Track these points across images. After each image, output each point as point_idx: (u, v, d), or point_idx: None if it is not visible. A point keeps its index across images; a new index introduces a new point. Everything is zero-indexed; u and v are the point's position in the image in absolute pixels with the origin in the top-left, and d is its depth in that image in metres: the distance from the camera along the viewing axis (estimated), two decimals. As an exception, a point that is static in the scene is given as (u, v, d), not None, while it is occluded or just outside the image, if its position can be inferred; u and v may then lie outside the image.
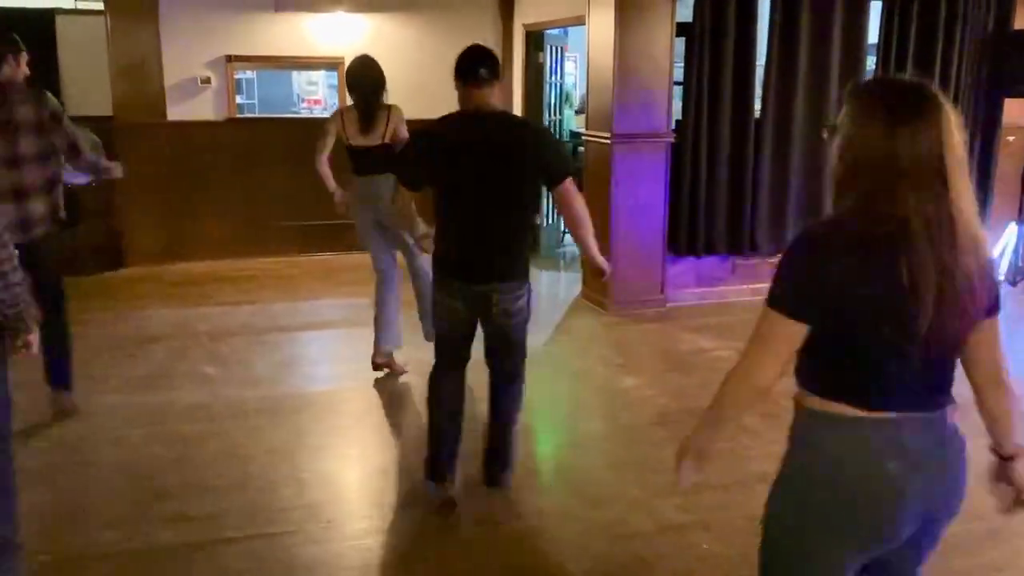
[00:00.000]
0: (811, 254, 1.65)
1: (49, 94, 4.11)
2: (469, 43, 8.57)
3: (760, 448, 4.04)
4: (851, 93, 1.75)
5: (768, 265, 6.69)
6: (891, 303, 1.61)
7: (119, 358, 5.14)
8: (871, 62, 6.79)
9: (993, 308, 1.72)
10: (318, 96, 13.02)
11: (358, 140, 4.68)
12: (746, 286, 6.60)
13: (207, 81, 7.64)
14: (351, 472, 3.96)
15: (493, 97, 3.29)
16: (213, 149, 7.70)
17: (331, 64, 8.12)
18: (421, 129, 3.42)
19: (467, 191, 3.22)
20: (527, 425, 4.50)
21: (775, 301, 1.69)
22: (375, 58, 4.94)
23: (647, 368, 5.22)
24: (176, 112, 7.60)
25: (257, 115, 9.78)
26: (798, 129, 6.47)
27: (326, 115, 10.74)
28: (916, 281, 1.58)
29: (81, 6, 8.01)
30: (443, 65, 8.22)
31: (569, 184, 3.25)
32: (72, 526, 3.33)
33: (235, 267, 7.53)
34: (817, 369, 1.74)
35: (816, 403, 1.76)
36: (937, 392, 1.73)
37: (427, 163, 3.30)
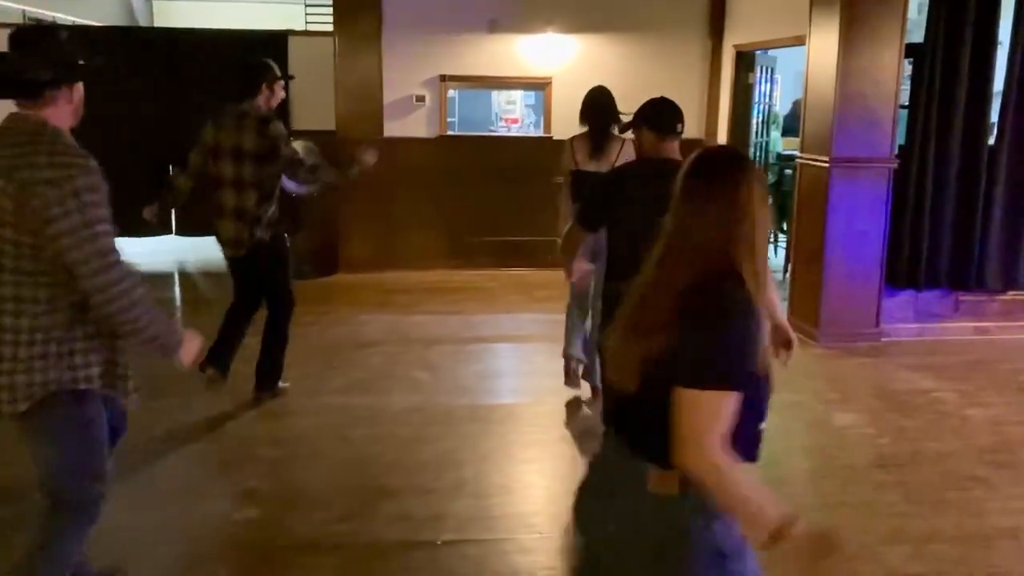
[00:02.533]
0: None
1: (275, 124, 4.44)
2: (677, 63, 8.58)
3: (997, 501, 3.77)
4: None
5: (996, 302, 6.23)
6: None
7: (339, 360, 5.45)
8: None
9: None
10: (516, 115, 13.36)
11: (587, 165, 4.80)
12: (969, 323, 6.19)
13: (421, 100, 7.99)
14: (559, 486, 3.99)
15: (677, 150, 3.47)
16: (423, 165, 8.04)
17: (539, 84, 8.28)
18: (613, 172, 3.50)
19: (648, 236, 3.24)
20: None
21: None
22: (605, 87, 5.10)
23: (863, 405, 4.96)
24: (392, 128, 7.99)
25: (465, 133, 10.10)
26: (1038, 159, 6.01)
27: (523, 134, 11.09)
28: None
29: (312, 28, 8.58)
30: (651, 86, 8.19)
31: None
32: (306, 516, 3.54)
33: (439, 278, 7.81)
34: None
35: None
36: None
37: (613, 206, 3.38)
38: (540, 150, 7.86)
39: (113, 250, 2.29)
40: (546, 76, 8.06)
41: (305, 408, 4.66)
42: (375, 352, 5.64)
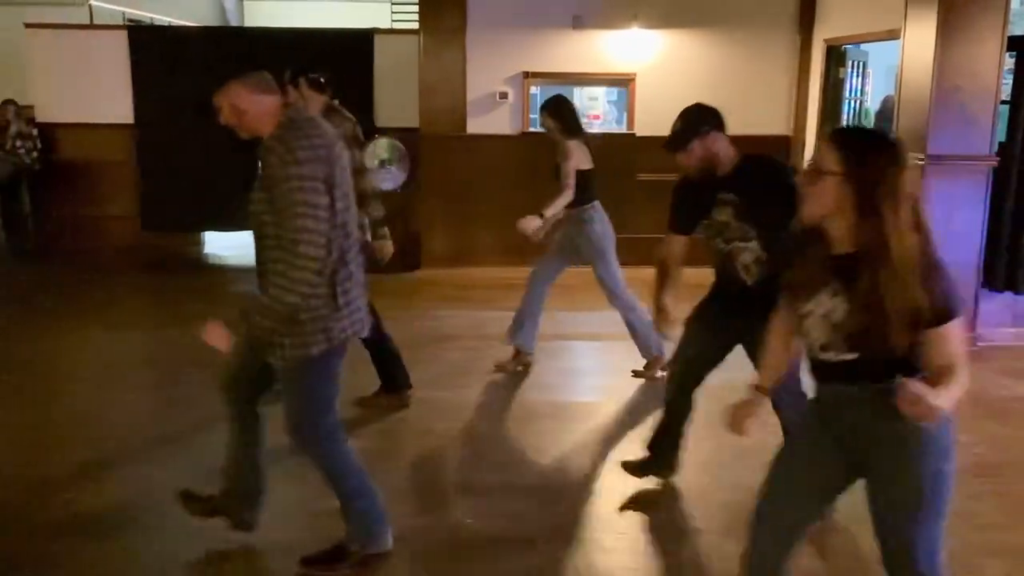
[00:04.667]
0: None
1: None
2: (765, 59, 8.41)
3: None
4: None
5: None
6: None
7: (420, 354, 5.50)
8: None
9: None
10: (598, 111, 13.29)
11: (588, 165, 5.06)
12: (1073, 329, 5.92)
13: (504, 96, 8.02)
14: (638, 486, 3.95)
15: None
16: (505, 161, 8.06)
17: (623, 80, 8.22)
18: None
19: None
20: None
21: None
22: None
23: (958, 412, 4.78)
24: (474, 125, 8.04)
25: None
26: None
27: (605, 130, 11.02)
28: None
29: (397, 26, 8.69)
30: (738, 81, 8.07)
31: None
32: (396, 510, 3.57)
33: (519, 274, 7.76)
34: None
35: None
36: None
37: None
38: (622, 146, 7.81)
39: None
40: (630, 72, 7.99)
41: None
42: (455, 347, 5.70)
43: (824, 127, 7.66)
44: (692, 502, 3.71)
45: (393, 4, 11.07)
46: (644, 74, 7.94)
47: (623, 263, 7.76)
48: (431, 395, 4.84)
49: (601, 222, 5.10)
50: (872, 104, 9.75)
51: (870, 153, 2.01)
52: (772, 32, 8.01)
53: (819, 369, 2.21)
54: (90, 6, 9.98)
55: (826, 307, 2.09)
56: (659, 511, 3.68)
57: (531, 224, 4.88)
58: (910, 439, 2.09)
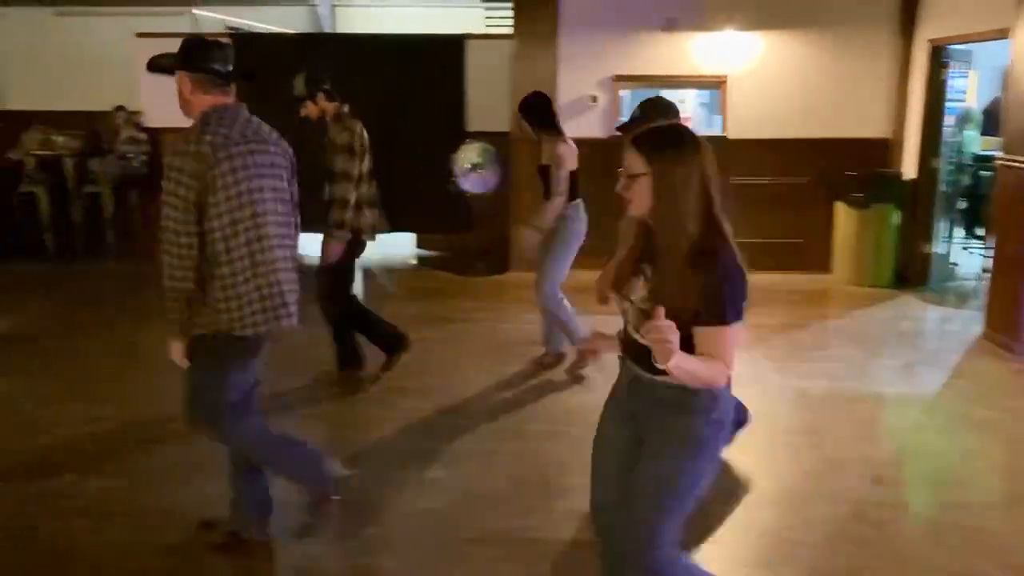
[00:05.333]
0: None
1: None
2: (864, 60, 8.16)
3: None
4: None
5: None
6: None
7: (511, 357, 5.55)
8: None
9: None
10: (687, 114, 13.14)
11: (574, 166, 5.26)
12: None
13: (594, 100, 8.01)
14: (728, 491, 3.91)
15: None
16: (594, 164, 8.00)
17: (715, 83, 8.12)
18: None
19: None
20: (920, 474, 4.17)
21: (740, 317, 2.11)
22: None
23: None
24: (565, 128, 8.00)
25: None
26: None
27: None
28: None
29: (491, 31, 8.77)
30: (836, 83, 7.86)
31: None
32: (483, 510, 3.62)
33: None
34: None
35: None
36: None
37: None
38: (714, 150, 7.69)
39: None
40: (721, 75, 7.89)
41: (478, 403, 4.78)
42: (542, 351, 5.69)
43: (928, 129, 7.42)
44: (792, 512, 3.65)
45: (487, 9, 11.17)
46: (737, 76, 7.82)
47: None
48: (523, 398, 4.88)
49: (579, 221, 5.25)
50: (978, 105, 9.39)
51: (663, 150, 2.16)
52: (872, 33, 7.79)
53: (630, 348, 2.32)
54: (193, 15, 10.35)
55: (637, 293, 2.24)
56: (758, 521, 3.63)
57: (531, 239, 5.11)
58: (681, 431, 2.24)
